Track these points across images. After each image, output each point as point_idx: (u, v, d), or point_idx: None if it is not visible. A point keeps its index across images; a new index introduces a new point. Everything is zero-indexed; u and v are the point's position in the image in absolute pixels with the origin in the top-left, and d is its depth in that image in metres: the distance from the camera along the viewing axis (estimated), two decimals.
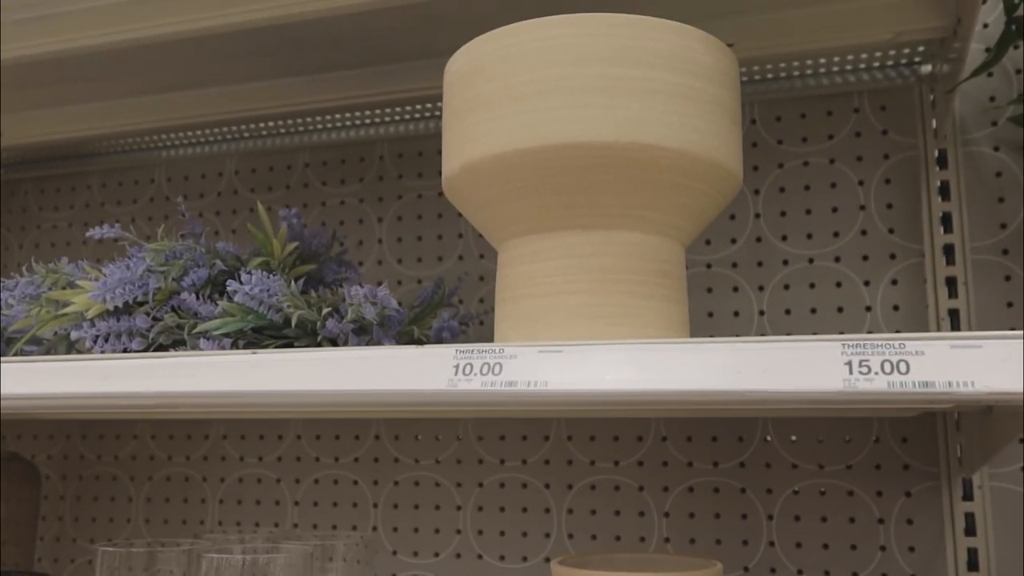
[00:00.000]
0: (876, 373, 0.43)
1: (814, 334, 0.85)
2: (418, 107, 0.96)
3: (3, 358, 0.58)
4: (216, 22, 0.76)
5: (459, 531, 0.93)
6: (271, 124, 1.02)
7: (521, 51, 0.51)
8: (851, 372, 0.43)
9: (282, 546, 0.62)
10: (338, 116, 0.99)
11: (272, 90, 0.93)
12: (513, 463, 0.92)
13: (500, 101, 0.51)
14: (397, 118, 0.99)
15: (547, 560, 0.90)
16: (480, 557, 0.92)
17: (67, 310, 0.64)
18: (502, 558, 0.91)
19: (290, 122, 1.01)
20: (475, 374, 0.49)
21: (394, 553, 0.95)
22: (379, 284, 0.99)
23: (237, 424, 1.03)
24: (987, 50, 0.81)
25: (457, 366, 0.50)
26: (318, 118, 0.99)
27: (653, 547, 0.86)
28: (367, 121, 1.00)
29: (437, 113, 0.98)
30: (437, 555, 0.93)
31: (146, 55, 0.85)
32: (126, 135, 1.03)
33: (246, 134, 1.04)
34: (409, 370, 0.50)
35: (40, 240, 1.17)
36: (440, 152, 1.00)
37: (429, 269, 0.98)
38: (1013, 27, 0.65)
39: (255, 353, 0.53)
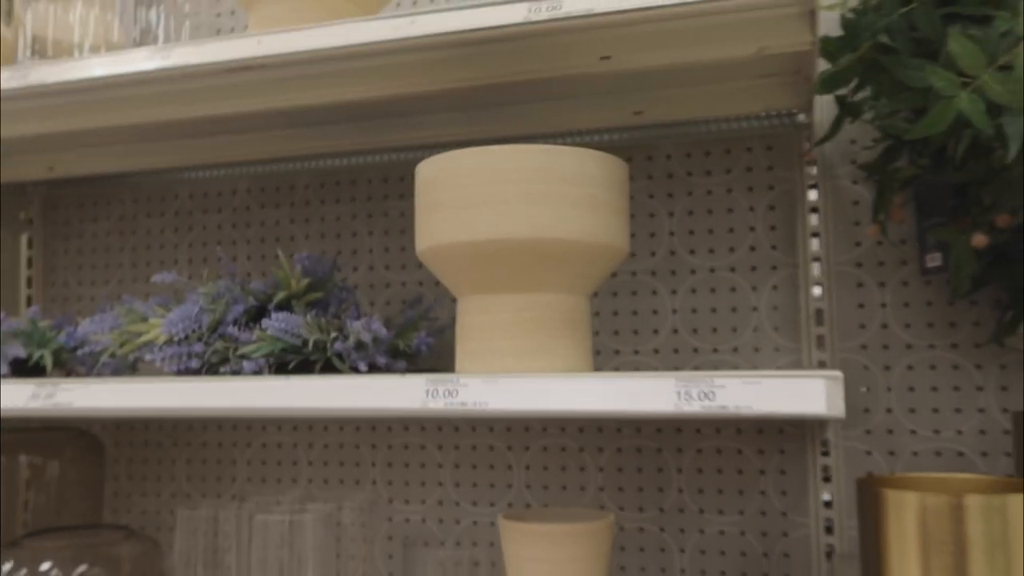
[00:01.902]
0: (695, 399, 0.66)
1: (714, 331, 1.09)
2: (395, 153, 1.18)
3: (108, 378, 0.81)
4: (235, 110, 0.98)
5: (440, 483, 1.18)
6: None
7: (468, 170, 0.73)
8: (679, 398, 0.67)
9: (309, 507, 0.86)
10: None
11: (278, 139, 1.14)
12: (482, 431, 1.17)
13: (453, 206, 0.73)
14: (381, 156, 1.21)
15: (510, 505, 1.15)
16: (457, 504, 1.17)
17: (142, 339, 0.87)
18: (474, 504, 1.16)
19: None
20: (440, 396, 0.73)
21: (389, 501, 1.19)
22: (370, 287, 1.22)
23: None
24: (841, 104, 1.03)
25: (427, 391, 0.73)
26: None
27: (591, 496, 1.11)
28: (355, 155, 1.22)
29: (410, 155, 1.19)
30: (423, 502, 1.18)
31: (177, 126, 1.06)
32: (157, 171, 1.24)
33: (256, 164, 1.26)
34: (395, 394, 0.73)
35: (82, 247, 1.39)
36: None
37: (411, 274, 1.21)
38: (843, 109, 0.87)
39: (288, 378, 0.77)
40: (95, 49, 1.03)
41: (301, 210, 1.28)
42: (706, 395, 0.67)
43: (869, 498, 0.71)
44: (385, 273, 1.23)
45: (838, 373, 0.64)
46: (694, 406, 0.66)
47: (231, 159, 1.21)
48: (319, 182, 1.27)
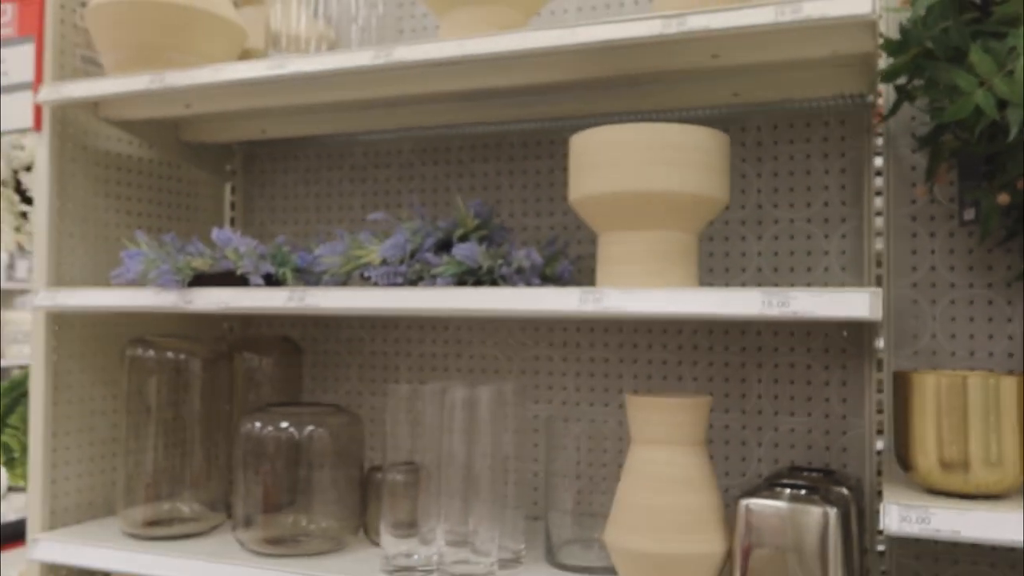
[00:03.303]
0: (774, 306, 0.94)
1: (792, 270, 1.36)
2: (534, 123, 1.46)
3: (342, 287, 1.13)
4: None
5: (564, 388, 1.48)
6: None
7: (614, 141, 1.02)
8: (763, 305, 0.95)
9: (479, 388, 1.17)
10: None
11: (439, 111, 1.44)
12: (599, 346, 1.46)
13: (602, 166, 1.02)
14: (521, 125, 1.50)
15: (620, 407, 1.44)
16: (577, 404, 1.47)
17: (362, 260, 1.19)
18: (591, 404, 1.46)
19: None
20: (589, 302, 1.02)
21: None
22: (509, 230, 1.52)
23: (416, 320, 1.59)
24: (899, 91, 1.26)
25: (580, 298, 1.03)
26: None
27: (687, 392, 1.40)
28: (501, 124, 1.50)
29: (546, 124, 1.47)
30: (550, 402, 1.49)
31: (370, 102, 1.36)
32: (339, 134, 1.56)
33: (419, 129, 1.56)
34: (559, 299, 1.03)
35: (275, 194, 1.72)
36: (552, 142, 1.50)
37: (544, 220, 1.50)
38: (900, 95, 1.12)
39: (477, 288, 1.08)
40: (309, 42, 1.34)
41: (455, 167, 1.58)
42: (783, 303, 0.95)
43: (901, 383, 0.98)
44: (523, 219, 1.53)
45: (878, 289, 0.91)
46: (774, 310, 0.94)
47: (399, 125, 1.51)
48: (471, 144, 1.57)
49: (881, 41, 1.06)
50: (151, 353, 1.34)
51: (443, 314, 1.10)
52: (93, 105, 1.43)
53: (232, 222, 1.75)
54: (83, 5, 1.43)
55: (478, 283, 1.18)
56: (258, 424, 1.26)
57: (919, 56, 1.01)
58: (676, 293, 0.99)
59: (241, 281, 1.25)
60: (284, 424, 1.26)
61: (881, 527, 0.90)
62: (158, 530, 1.33)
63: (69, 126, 1.41)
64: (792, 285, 1.36)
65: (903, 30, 1.04)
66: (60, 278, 1.39)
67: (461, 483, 1.15)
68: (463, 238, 1.22)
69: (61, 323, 1.39)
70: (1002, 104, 0.91)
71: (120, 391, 1.40)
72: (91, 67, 1.44)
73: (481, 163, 1.56)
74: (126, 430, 1.35)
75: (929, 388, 0.94)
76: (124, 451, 1.35)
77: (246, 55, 1.45)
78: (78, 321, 1.42)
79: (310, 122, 1.53)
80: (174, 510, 1.36)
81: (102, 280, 1.45)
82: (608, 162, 1.02)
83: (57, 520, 1.38)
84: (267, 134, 1.56)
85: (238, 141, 1.67)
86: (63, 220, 1.40)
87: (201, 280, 1.24)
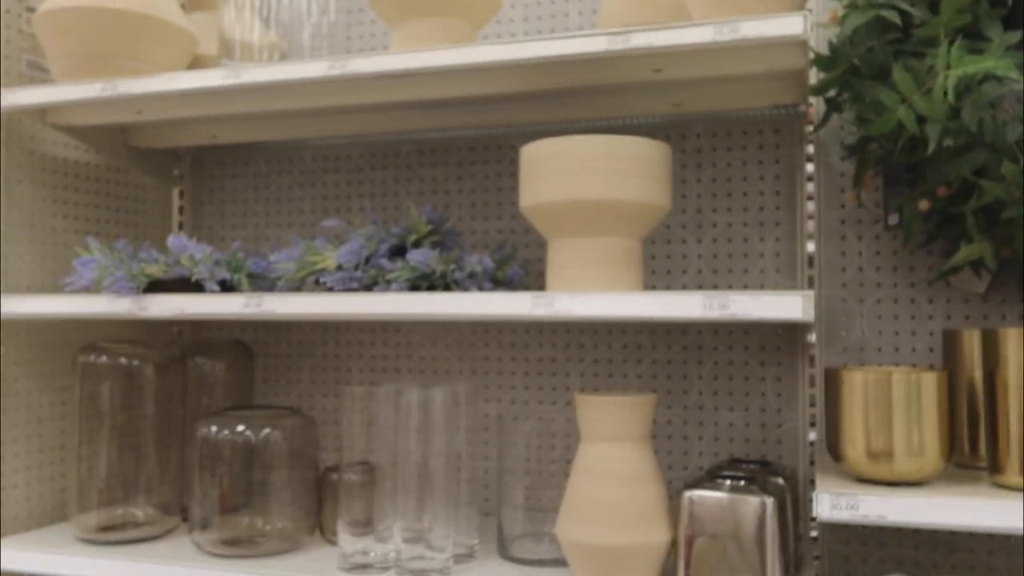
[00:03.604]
0: (715, 308, 1.00)
1: (730, 271, 1.42)
2: (481, 129, 1.50)
3: (298, 293, 1.16)
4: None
5: (513, 387, 1.53)
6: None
7: (562, 151, 1.06)
8: (704, 308, 1.00)
9: (433, 389, 1.21)
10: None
11: (387, 118, 1.47)
12: (547, 346, 1.51)
13: (550, 175, 1.07)
14: (470, 131, 1.54)
15: (568, 404, 1.49)
16: (526, 403, 1.52)
17: (319, 266, 1.21)
18: (540, 402, 1.51)
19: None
20: (541, 306, 1.07)
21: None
22: (459, 235, 1.56)
23: (368, 324, 1.62)
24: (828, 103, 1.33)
25: (532, 301, 1.07)
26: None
27: (632, 390, 1.46)
28: (450, 129, 1.54)
29: (494, 131, 1.51)
30: (499, 401, 1.53)
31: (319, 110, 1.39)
32: (288, 140, 1.57)
33: (368, 135, 1.59)
34: (511, 302, 1.07)
35: (224, 199, 1.73)
36: (500, 148, 1.54)
37: (492, 224, 1.55)
38: (830, 107, 1.19)
39: (431, 294, 1.11)
40: (262, 50, 1.36)
41: (405, 172, 1.61)
42: (723, 306, 1.00)
43: (831, 379, 1.05)
44: (472, 223, 1.57)
45: (810, 292, 0.98)
46: (714, 313, 1.00)
47: (349, 132, 1.54)
48: (420, 149, 1.60)
49: (812, 57, 1.13)
50: (104, 359, 1.35)
51: (398, 319, 1.14)
52: (40, 111, 1.43)
53: (181, 227, 1.75)
54: (29, 10, 1.42)
55: (432, 288, 1.22)
56: (214, 428, 1.28)
57: (847, 72, 1.08)
58: (623, 297, 1.04)
59: (197, 287, 1.26)
60: (240, 427, 1.28)
61: (814, 514, 0.97)
62: (112, 535, 1.34)
63: (14, 132, 1.41)
64: (730, 286, 1.43)
65: (832, 47, 1.11)
66: (7, 285, 1.38)
67: (416, 481, 1.19)
68: (416, 244, 1.25)
69: (7, 330, 1.38)
70: (922, 119, 0.98)
71: (70, 397, 1.40)
72: (37, 73, 1.44)
73: (430, 168, 1.60)
74: (79, 436, 1.36)
75: (857, 384, 1.01)
76: (76, 457, 1.35)
77: (197, 61, 1.46)
78: (24, 328, 1.41)
79: (260, 128, 1.55)
80: (128, 514, 1.36)
81: (50, 287, 1.45)
82: (559, 172, 1.07)
83: (8, 528, 1.37)
84: (217, 139, 1.57)
85: (187, 146, 1.67)
86: (10, 227, 1.39)
87: (156, 287, 1.25)
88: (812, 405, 1.38)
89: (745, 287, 1.42)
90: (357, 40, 1.65)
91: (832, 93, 1.19)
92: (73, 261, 1.30)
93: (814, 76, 1.20)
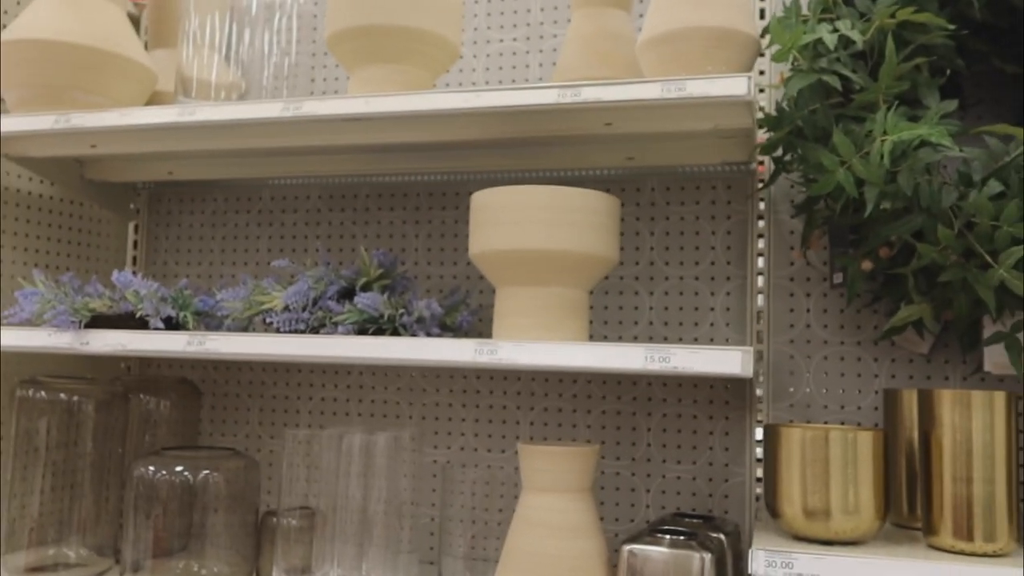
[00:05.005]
0: (656, 361, 1.00)
1: (680, 324, 1.43)
2: (439, 175, 1.51)
3: (243, 333, 1.15)
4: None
5: (463, 433, 1.52)
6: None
7: (511, 200, 1.07)
8: (646, 360, 1.01)
9: (376, 434, 1.19)
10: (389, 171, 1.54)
11: (346, 160, 1.47)
12: (497, 393, 1.50)
13: (499, 224, 1.07)
14: (428, 177, 1.55)
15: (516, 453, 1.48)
16: (476, 449, 1.51)
17: (265, 306, 1.20)
18: (488, 450, 1.50)
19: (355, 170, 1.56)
20: (484, 353, 1.07)
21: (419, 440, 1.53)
22: (414, 278, 1.56)
23: (318, 365, 1.60)
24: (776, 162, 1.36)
25: (476, 349, 1.07)
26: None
27: (580, 440, 1.45)
28: (407, 175, 1.55)
29: (451, 177, 1.53)
30: (448, 448, 1.52)
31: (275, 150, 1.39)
32: (247, 179, 1.57)
33: (326, 177, 1.59)
34: (454, 350, 1.07)
35: (180, 235, 1.72)
36: (457, 194, 1.55)
37: (447, 269, 1.55)
38: (777, 166, 1.21)
39: (376, 338, 1.11)
40: (220, 89, 1.36)
41: (361, 215, 1.61)
42: (664, 359, 1.01)
43: (771, 436, 1.05)
44: (427, 268, 1.57)
45: (749, 348, 0.99)
46: (656, 365, 1.01)
47: (306, 172, 1.54)
48: (377, 193, 1.61)
49: (760, 117, 1.15)
50: (42, 394, 1.32)
51: (343, 362, 1.13)
52: None
53: (135, 261, 1.73)
54: None
55: (379, 332, 1.21)
56: (151, 468, 1.26)
57: (792, 134, 1.10)
58: (566, 347, 1.04)
59: (141, 324, 1.25)
60: (178, 468, 1.26)
61: (750, 572, 0.96)
62: None
63: None
64: (681, 339, 1.43)
65: (778, 108, 1.13)
66: None
67: (356, 528, 1.17)
68: (366, 287, 1.25)
69: None
70: (861, 182, 1.00)
71: (6, 432, 1.37)
72: None
73: (387, 212, 1.60)
74: (12, 472, 1.32)
75: (795, 441, 1.01)
76: (8, 494, 1.32)
77: (156, 97, 1.46)
78: None
79: (218, 166, 1.55)
80: (60, 555, 1.33)
81: None
82: (505, 221, 1.08)
83: None
84: (174, 176, 1.56)
85: (145, 181, 1.67)
86: None
87: (99, 322, 1.23)
88: (759, 460, 1.38)
89: (695, 340, 1.43)
90: (320, 83, 1.66)
91: (779, 152, 1.21)
92: (15, 293, 1.28)
93: (764, 135, 1.23)
